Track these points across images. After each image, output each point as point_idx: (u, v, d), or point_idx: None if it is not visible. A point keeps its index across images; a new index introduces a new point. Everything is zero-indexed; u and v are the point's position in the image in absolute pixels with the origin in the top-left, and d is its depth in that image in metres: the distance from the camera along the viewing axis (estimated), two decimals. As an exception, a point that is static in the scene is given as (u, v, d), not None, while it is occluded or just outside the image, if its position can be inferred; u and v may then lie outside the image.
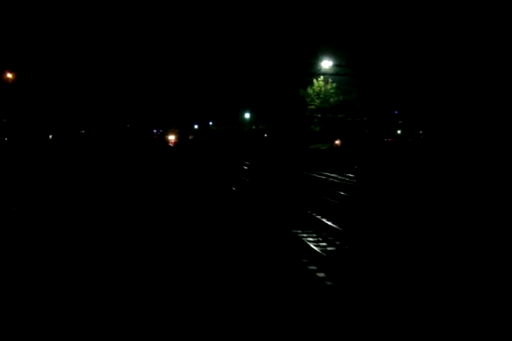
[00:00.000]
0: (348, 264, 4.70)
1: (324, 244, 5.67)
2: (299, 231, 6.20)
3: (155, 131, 74.14)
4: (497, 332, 3.07)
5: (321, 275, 4.37)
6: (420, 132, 25.56)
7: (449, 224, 6.67)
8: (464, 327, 3.15)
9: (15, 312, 3.21)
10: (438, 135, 22.45)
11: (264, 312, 3.28)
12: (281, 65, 37.14)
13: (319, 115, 33.93)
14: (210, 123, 58.58)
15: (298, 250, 5.22)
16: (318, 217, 7.13)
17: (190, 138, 58.57)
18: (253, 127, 46.18)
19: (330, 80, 32.94)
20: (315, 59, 29.43)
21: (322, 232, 6.21)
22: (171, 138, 55.10)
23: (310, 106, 34.23)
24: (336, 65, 27.46)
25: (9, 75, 29.13)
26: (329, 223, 6.56)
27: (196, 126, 63.30)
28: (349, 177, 13.91)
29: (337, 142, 29.14)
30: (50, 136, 40.25)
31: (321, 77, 32.00)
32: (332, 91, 33.67)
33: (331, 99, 33.66)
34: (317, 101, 33.92)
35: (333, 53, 28.38)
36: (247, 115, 45.23)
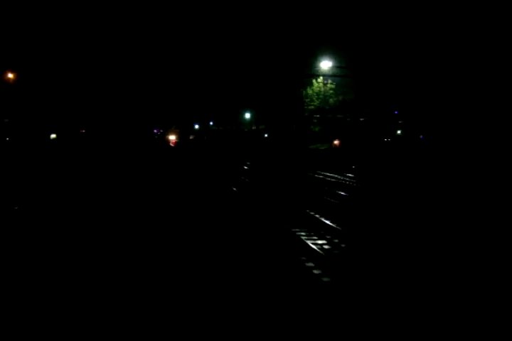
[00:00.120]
0: (345, 262, 4.72)
1: (323, 242, 5.69)
2: (297, 230, 6.22)
3: (155, 130, 74.15)
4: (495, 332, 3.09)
5: (318, 272, 4.40)
6: (420, 134, 25.56)
7: (447, 223, 6.69)
8: (458, 327, 3.17)
9: (15, 310, 3.23)
10: (437, 135, 22.43)
11: (262, 307, 3.30)
12: (281, 65, 37.16)
13: (318, 115, 33.99)
14: (211, 123, 58.57)
15: (297, 248, 5.24)
16: (317, 216, 7.15)
17: (191, 138, 58.59)
18: (253, 127, 46.19)
19: (329, 81, 32.99)
20: (314, 59, 29.47)
21: (321, 231, 6.23)
22: (172, 138, 55.12)
23: (309, 107, 34.27)
24: (335, 67, 27.52)
25: (10, 75, 29.16)
26: (328, 222, 6.58)
27: (197, 126, 63.30)
28: (348, 177, 13.92)
29: (336, 142, 29.19)
30: (54, 136, 40.26)
31: (321, 78, 32.04)
32: (331, 91, 33.72)
33: (330, 100, 33.71)
34: (316, 102, 33.97)
35: (332, 54, 28.42)
36: (247, 115, 45.24)
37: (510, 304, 3.49)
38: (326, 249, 5.35)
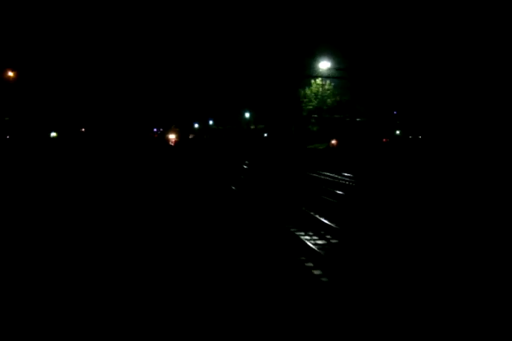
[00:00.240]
0: (344, 261, 4.73)
1: (322, 242, 5.70)
2: (296, 229, 6.23)
3: (155, 129, 73.90)
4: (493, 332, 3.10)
5: (318, 272, 4.41)
6: (419, 134, 25.63)
7: (445, 221, 6.71)
8: (456, 325, 3.18)
9: (15, 310, 3.23)
10: (435, 135, 22.48)
11: (261, 305, 3.31)
12: (280, 65, 37.14)
13: (316, 115, 34.05)
14: (211, 122, 58.42)
15: (295, 247, 5.25)
16: (316, 216, 7.16)
17: (191, 137, 58.45)
18: (252, 127, 46.16)
19: (327, 81, 33.02)
20: (313, 60, 29.48)
21: (319, 230, 6.25)
22: (172, 137, 54.99)
23: (308, 107, 34.30)
24: (333, 69, 27.56)
25: (10, 74, 28.98)
26: (326, 221, 6.61)
27: (196, 125, 63.14)
28: (345, 176, 13.97)
29: (333, 142, 29.27)
30: (54, 134, 40.09)
31: (319, 78, 32.06)
32: (329, 92, 33.76)
33: (328, 100, 33.76)
34: (315, 102, 34.01)
35: (330, 54, 28.44)
36: (247, 115, 45.19)
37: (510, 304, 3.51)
38: (324, 247, 5.36)
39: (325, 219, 6.81)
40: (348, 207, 8.11)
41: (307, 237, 5.88)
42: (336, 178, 13.25)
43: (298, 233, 6.03)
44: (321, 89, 33.66)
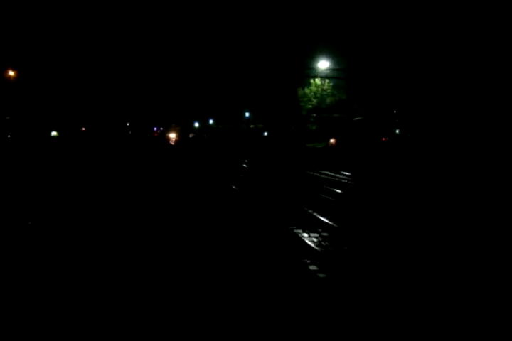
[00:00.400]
0: (341, 259, 4.74)
1: (320, 239, 5.71)
2: (295, 227, 6.24)
3: (155, 128, 73.79)
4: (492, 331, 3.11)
5: (314, 268, 4.42)
6: (418, 133, 25.54)
7: (443, 219, 6.72)
8: (455, 325, 3.19)
9: (15, 309, 3.22)
10: (432, 134, 22.45)
11: (260, 301, 3.31)
12: (280, 65, 37.07)
13: (315, 114, 34.05)
14: (211, 121, 58.32)
15: (294, 245, 5.26)
16: (315, 214, 7.16)
17: (191, 136, 58.39)
18: (251, 126, 46.10)
19: (327, 81, 32.98)
20: (312, 60, 29.43)
21: (318, 228, 6.26)
22: (172, 136, 54.93)
23: (307, 106, 34.29)
24: (332, 69, 27.51)
25: (11, 73, 28.89)
26: (324, 219, 6.61)
27: (197, 124, 63.01)
28: (343, 175, 13.99)
29: (332, 141, 29.27)
30: (55, 133, 40.00)
31: (318, 77, 32.03)
32: (329, 91, 33.74)
33: (328, 99, 33.76)
34: (314, 101, 34.01)
35: (330, 54, 28.38)
36: (247, 114, 45.12)
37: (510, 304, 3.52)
38: (322, 245, 5.37)
39: (324, 217, 6.81)
40: (346, 205, 8.12)
41: (305, 234, 5.89)
42: (335, 177, 13.26)
43: (296, 231, 6.04)
44: (320, 88, 33.66)
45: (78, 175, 11.84)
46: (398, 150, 22.26)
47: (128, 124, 65.58)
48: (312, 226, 6.34)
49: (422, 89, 23.39)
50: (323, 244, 5.49)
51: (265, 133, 42.63)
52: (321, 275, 4.19)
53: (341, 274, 4.17)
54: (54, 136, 39.14)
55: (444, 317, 3.20)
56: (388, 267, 4.39)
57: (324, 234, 5.99)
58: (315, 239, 5.68)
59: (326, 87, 33.34)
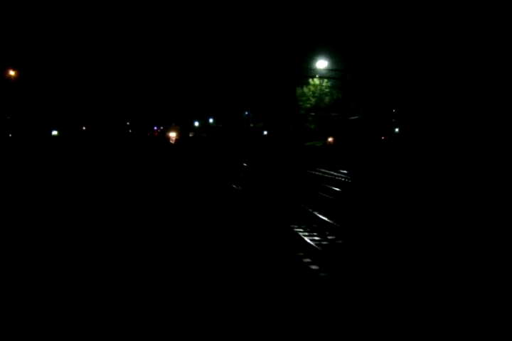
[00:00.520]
0: (341, 257, 4.72)
1: (320, 238, 5.69)
2: (296, 226, 6.22)
3: (155, 127, 73.61)
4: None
5: (315, 267, 4.40)
6: (417, 132, 25.42)
7: (439, 217, 6.71)
8: (455, 325, 3.17)
9: (15, 310, 3.19)
10: (430, 132, 22.39)
11: (260, 299, 3.29)
12: (279, 64, 36.99)
13: (313, 113, 34.05)
14: (211, 120, 58.15)
15: (293, 244, 5.24)
16: (315, 212, 7.15)
17: (191, 135, 58.27)
18: (251, 125, 46.05)
19: (325, 80, 32.91)
20: (311, 59, 29.35)
21: (317, 226, 6.24)
22: (172, 135, 54.80)
23: (305, 105, 34.25)
24: (331, 69, 27.47)
25: (12, 73, 28.73)
26: (322, 217, 6.60)
27: (197, 124, 62.85)
28: (341, 173, 14.05)
29: (330, 139, 29.28)
30: (56, 132, 39.84)
31: (317, 76, 31.98)
32: (327, 90, 33.69)
33: (326, 98, 33.72)
34: (313, 100, 33.97)
35: (328, 53, 28.31)
36: (246, 113, 45.00)
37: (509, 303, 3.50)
38: (321, 243, 5.35)
39: (322, 215, 6.81)
40: (344, 203, 8.11)
41: (303, 232, 5.88)
42: (333, 175, 13.28)
43: (296, 229, 6.02)
44: (318, 87, 33.60)
45: (78, 174, 11.80)
46: (396, 149, 22.25)
47: (128, 123, 65.45)
48: (311, 224, 6.33)
49: (421, 88, 23.34)
50: (322, 241, 5.48)
51: (265, 132, 42.58)
52: (321, 273, 4.18)
53: (337, 273, 4.15)
54: (54, 136, 39.03)
55: (438, 313, 3.19)
56: (385, 264, 4.38)
57: (322, 231, 5.98)
58: (315, 237, 5.67)
59: (324, 86, 33.30)
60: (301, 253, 4.89)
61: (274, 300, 3.37)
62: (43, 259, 4.27)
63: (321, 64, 28.17)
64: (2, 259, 4.30)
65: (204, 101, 53.63)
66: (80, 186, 9.49)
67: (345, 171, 14.41)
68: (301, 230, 6.03)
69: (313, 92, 33.90)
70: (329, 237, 5.74)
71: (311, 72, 30.34)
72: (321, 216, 6.71)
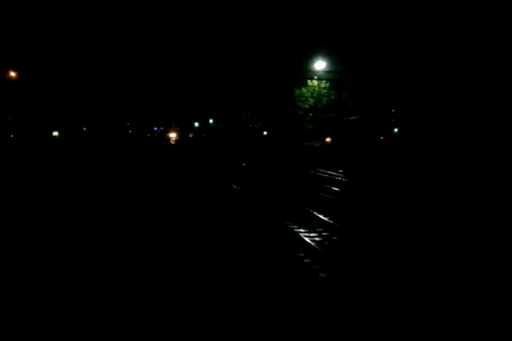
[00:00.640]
0: (340, 257, 4.69)
1: (319, 239, 5.66)
2: (295, 226, 6.18)
3: (155, 128, 73.41)
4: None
5: (314, 267, 4.38)
6: (415, 132, 25.37)
7: (436, 215, 6.70)
8: (453, 325, 3.14)
9: (15, 310, 3.15)
10: (429, 132, 22.34)
11: (260, 299, 3.25)
12: (278, 65, 36.98)
13: (311, 114, 34.06)
14: (211, 120, 57.99)
15: (293, 243, 5.20)
16: (315, 213, 7.12)
17: (191, 136, 58.16)
18: (250, 125, 46.00)
19: (323, 81, 32.88)
20: (309, 60, 29.34)
21: (316, 226, 6.22)
22: (172, 136, 54.68)
23: (304, 106, 34.25)
24: (328, 71, 27.48)
25: (13, 74, 28.59)
26: (322, 217, 6.57)
27: (197, 124, 62.70)
28: (339, 173, 14.07)
29: (328, 140, 29.30)
30: (56, 133, 39.67)
31: (315, 78, 31.98)
32: (325, 91, 33.70)
33: (324, 99, 33.73)
34: (311, 101, 33.98)
35: (326, 54, 28.30)
36: (246, 113, 44.90)
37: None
38: (322, 244, 5.32)
39: (322, 215, 6.78)
40: (342, 202, 8.10)
41: (306, 233, 5.84)
42: (332, 175, 13.29)
43: (297, 230, 5.99)
44: (317, 88, 33.61)
45: (78, 174, 11.73)
46: (394, 149, 22.24)
47: (128, 124, 65.27)
48: (311, 225, 6.30)
49: (419, 88, 23.30)
50: (322, 241, 5.45)
51: (265, 133, 42.51)
52: (320, 272, 4.15)
53: (336, 273, 4.12)
54: (55, 136, 38.86)
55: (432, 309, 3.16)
56: (384, 263, 4.35)
57: (322, 231, 5.95)
58: (313, 237, 5.64)
59: (322, 87, 33.31)
60: (302, 254, 4.86)
61: (272, 299, 3.34)
62: (43, 258, 4.23)
63: (319, 65, 28.17)
64: (3, 257, 4.26)
65: (204, 101, 53.54)
66: (80, 186, 9.44)
67: (342, 171, 14.43)
68: (301, 230, 6.00)
69: (312, 93, 33.92)
70: (328, 237, 5.71)
71: (309, 74, 30.31)
72: (320, 216, 6.69)
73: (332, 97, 33.07)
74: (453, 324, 3.06)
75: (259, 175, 13.23)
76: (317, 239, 5.63)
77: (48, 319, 2.97)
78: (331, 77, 28.25)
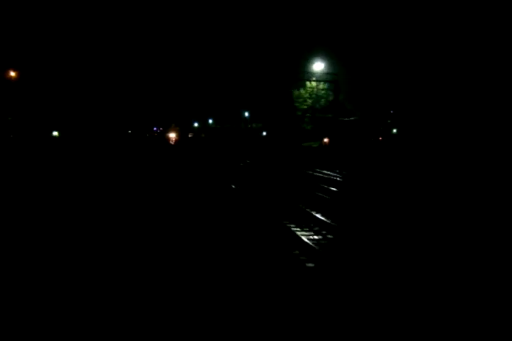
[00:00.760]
0: (337, 256, 4.68)
1: (317, 237, 5.66)
2: (293, 226, 6.18)
3: (155, 128, 73.35)
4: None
5: (310, 265, 4.36)
6: (414, 133, 25.35)
7: (433, 214, 6.70)
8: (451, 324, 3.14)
9: (15, 311, 3.12)
10: (427, 133, 22.33)
11: (257, 296, 3.24)
12: (277, 66, 37.02)
13: (309, 114, 34.12)
14: (210, 121, 57.96)
15: (291, 243, 5.19)
16: (313, 212, 7.12)
17: (190, 136, 58.12)
18: (249, 126, 46.01)
19: (322, 82, 32.93)
20: (307, 61, 29.38)
21: (314, 226, 6.21)
22: (172, 136, 54.63)
23: (302, 106, 34.30)
24: (326, 73, 27.53)
25: (13, 74, 28.48)
26: (319, 216, 6.56)
27: (196, 124, 62.65)
28: (337, 173, 14.09)
29: (325, 140, 29.36)
30: (56, 133, 39.52)
31: (313, 79, 32.03)
32: (323, 92, 33.75)
33: (322, 100, 33.80)
34: (309, 102, 34.04)
35: (325, 55, 28.34)
36: (245, 114, 44.94)
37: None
38: (319, 243, 5.31)
39: (319, 214, 6.78)
40: (339, 202, 8.10)
41: (303, 232, 5.84)
42: (329, 175, 13.30)
43: (293, 228, 5.98)
44: (315, 89, 33.67)
45: (78, 174, 11.69)
46: (392, 149, 22.27)
47: (128, 124, 65.24)
48: (308, 224, 6.29)
49: (417, 89, 23.30)
50: (319, 240, 5.44)
51: (264, 133, 42.52)
52: (317, 272, 4.13)
53: (333, 272, 4.11)
54: (55, 136, 38.73)
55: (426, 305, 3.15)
56: (380, 262, 4.34)
57: (319, 230, 5.94)
58: (312, 237, 5.63)
59: (321, 88, 33.36)
60: (297, 252, 4.85)
61: (268, 297, 3.32)
62: (43, 258, 4.19)
63: (318, 66, 28.20)
64: (3, 258, 4.22)
65: (203, 102, 53.53)
66: (80, 186, 9.40)
67: (343, 172, 14.44)
68: (298, 229, 5.99)
69: (310, 94, 34.00)
70: (326, 236, 5.71)
71: (307, 75, 30.34)
72: (318, 215, 6.69)
73: (330, 98, 33.13)
74: (446, 324, 3.05)
75: (257, 175, 13.22)
76: (314, 237, 5.62)
77: (47, 318, 2.94)
78: (329, 78, 28.28)
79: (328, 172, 13.99)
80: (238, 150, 28.60)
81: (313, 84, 33.32)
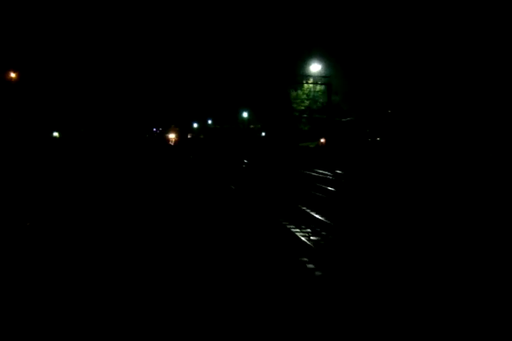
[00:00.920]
0: (334, 256, 4.65)
1: (314, 237, 5.63)
2: (292, 226, 6.15)
3: (154, 129, 73.15)
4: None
5: (311, 266, 4.33)
6: (411, 133, 25.27)
7: (430, 214, 6.68)
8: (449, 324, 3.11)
9: (15, 311, 3.06)
10: (425, 134, 22.30)
11: (256, 293, 3.20)
12: (275, 67, 37.02)
13: (306, 115, 34.16)
14: (209, 121, 57.84)
15: (289, 242, 5.16)
16: (309, 211, 7.10)
17: (189, 136, 58.02)
18: (247, 126, 45.98)
19: (319, 83, 32.95)
20: (305, 63, 29.38)
21: (311, 225, 6.18)
22: (172, 136, 54.52)
23: (299, 107, 34.31)
24: (322, 77, 27.55)
25: (13, 75, 28.26)
26: (316, 216, 6.54)
27: (196, 125, 62.50)
28: (335, 173, 14.09)
29: (322, 140, 29.40)
30: (56, 134, 39.29)
31: (311, 80, 32.07)
32: (320, 93, 33.77)
33: (320, 100, 33.81)
34: (306, 102, 34.06)
35: (322, 56, 28.35)
36: (245, 114, 44.88)
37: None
38: (317, 243, 5.28)
39: (316, 213, 6.75)
40: (336, 201, 8.09)
41: (298, 230, 5.84)
42: (326, 175, 13.33)
43: (290, 227, 5.95)
44: (312, 90, 33.70)
45: (78, 175, 11.59)
46: (388, 150, 22.28)
47: (128, 125, 64.96)
48: (306, 223, 6.27)
49: (414, 89, 23.27)
50: (316, 240, 5.41)
51: (263, 134, 42.47)
52: (316, 273, 4.10)
53: (332, 272, 4.07)
54: (55, 137, 38.50)
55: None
56: (377, 261, 4.31)
57: (316, 229, 5.93)
58: (308, 236, 5.60)
59: (317, 89, 33.39)
60: (295, 250, 4.81)
61: (268, 297, 3.28)
62: (44, 257, 4.13)
63: (315, 67, 28.23)
64: (3, 257, 4.15)
65: (203, 103, 53.44)
66: (80, 186, 9.31)
67: (338, 171, 14.47)
68: (297, 230, 5.97)
69: (307, 95, 34.03)
70: (321, 234, 5.68)
71: (305, 76, 30.35)
72: (314, 214, 6.66)
73: (326, 99, 33.13)
74: (444, 324, 3.02)
75: (256, 176, 13.19)
76: (312, 237, 5.59)
77: (47, 318, 2.88)
78: (325, 80, 28.29)
79: (326, 172, 14.03)
80: (237, 151, 28.54)
81: (311, 85, 33.36)
